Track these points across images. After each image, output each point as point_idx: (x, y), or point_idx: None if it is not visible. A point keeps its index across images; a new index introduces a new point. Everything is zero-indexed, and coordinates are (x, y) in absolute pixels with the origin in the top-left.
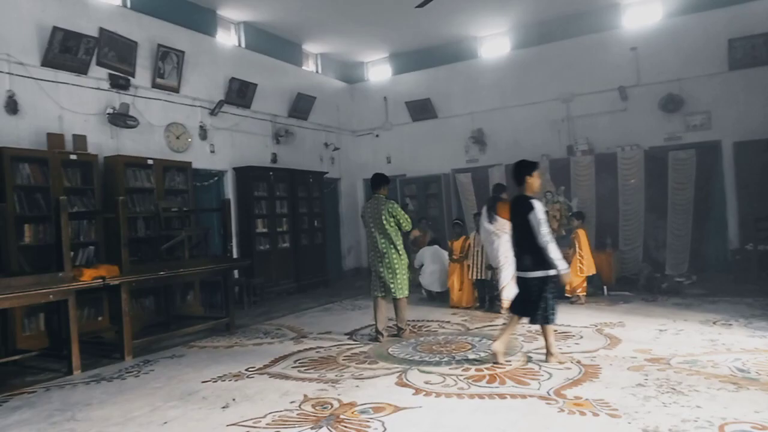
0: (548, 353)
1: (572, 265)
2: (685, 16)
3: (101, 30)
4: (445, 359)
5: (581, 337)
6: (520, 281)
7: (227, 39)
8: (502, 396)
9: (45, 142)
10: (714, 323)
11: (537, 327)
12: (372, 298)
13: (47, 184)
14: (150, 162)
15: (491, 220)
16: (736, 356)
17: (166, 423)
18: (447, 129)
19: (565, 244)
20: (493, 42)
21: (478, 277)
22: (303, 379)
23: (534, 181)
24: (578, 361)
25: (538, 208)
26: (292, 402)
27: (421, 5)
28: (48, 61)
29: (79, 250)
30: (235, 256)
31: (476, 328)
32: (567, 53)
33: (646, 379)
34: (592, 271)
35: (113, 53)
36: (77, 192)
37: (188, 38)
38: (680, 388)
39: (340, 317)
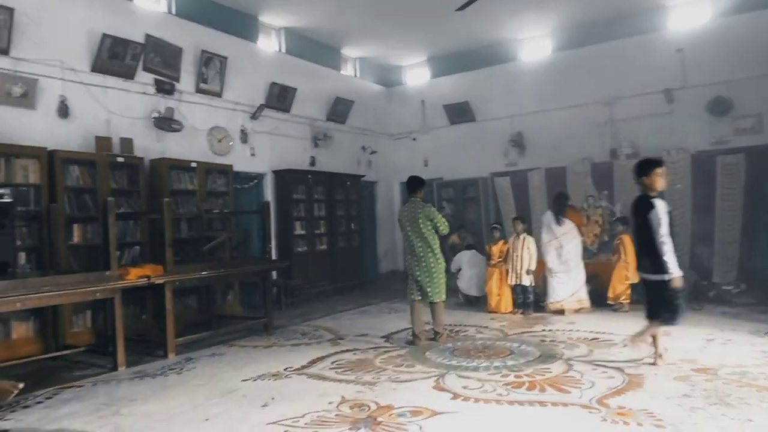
0: (656, 355)
1: (617, 272)
2: (734, 16)
3: (147, 36)
4: (483, 364)
5: (624, 346)
6: (642, 282)
7: (268, 44)
8: (542, 404)
9: (93, 145)
10: (765, 334)
11: (584, 335)
12: (409, 302)
13: (95, 185)
14: (193, 165)
15: (559, 222)
16: None
17: (207, 420)
18: (485, 132)
19: (608, 250)
20: (533, 44)
21: (517, 282)
22: (340, 381)
23: (654, 180)
24: (622, 370)
25: (660, 207)
26: (330, 403)
27: (461, 8)
28: (97, 67)
29: (125, 249)
30: (273, 257)
31: (515, 333)
32: (610, 55)
33: (693, 390)
34: (637, 278)
35: (159, 59)
36: (124, 193)
37: (231, 44)
38: (729, 400)
39: (376, 320)
